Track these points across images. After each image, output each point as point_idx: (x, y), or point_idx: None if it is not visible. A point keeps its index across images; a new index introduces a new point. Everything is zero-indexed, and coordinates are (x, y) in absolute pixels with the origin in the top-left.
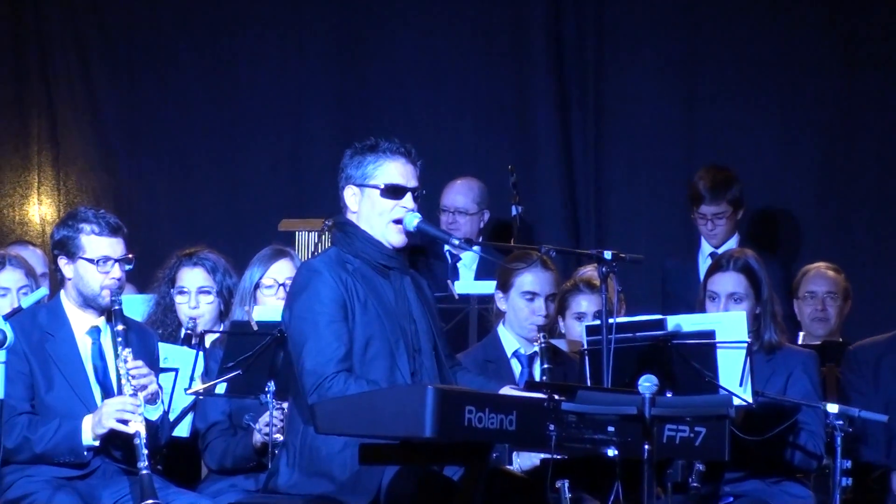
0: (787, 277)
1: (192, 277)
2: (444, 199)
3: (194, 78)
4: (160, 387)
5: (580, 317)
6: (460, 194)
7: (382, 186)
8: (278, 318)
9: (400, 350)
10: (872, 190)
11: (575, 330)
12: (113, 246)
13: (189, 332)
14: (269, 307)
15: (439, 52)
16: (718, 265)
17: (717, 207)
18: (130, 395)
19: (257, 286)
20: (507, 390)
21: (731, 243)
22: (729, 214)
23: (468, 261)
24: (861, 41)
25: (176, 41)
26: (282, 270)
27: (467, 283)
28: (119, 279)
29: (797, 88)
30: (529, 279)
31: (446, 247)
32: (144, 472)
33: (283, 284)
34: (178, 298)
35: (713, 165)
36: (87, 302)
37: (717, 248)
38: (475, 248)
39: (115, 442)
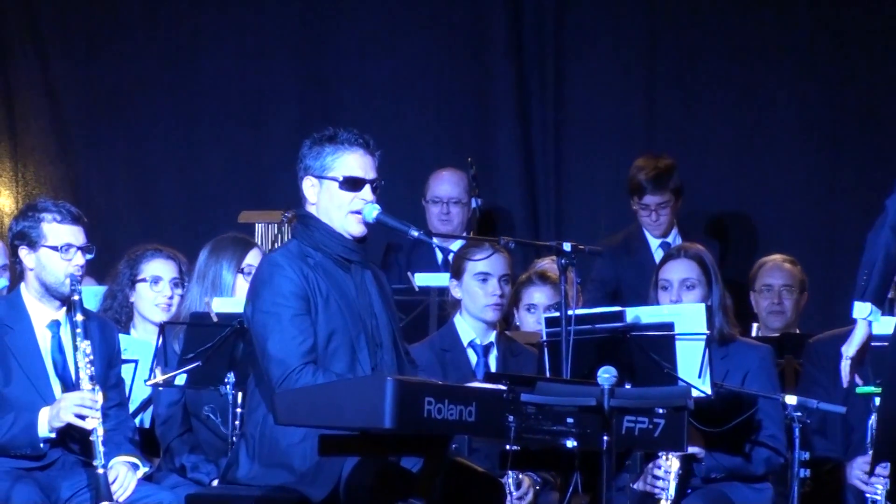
0: (745, 270)
1: (167, 268)
2: (436, 190)
3: (153, 69)
4: (122, 379)
5: (531, 308)
6: (450, 184)
7: (341, 179)
8: (237, 310)
9: (361, 344)
10: (827, 181)
11: (527, 321)
12: (75, 234)
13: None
14: (227, 300)
15: (400, 44)
16: (670, 255)
17: (661, 197)
18: (90, 390)
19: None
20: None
21: (674, 234)
22: (672, 203)
23: None
24: (826, 34)
25: (135, 32)
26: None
27: (436, 275)
28: (81, 267)
29: (758, 80)
30: (481, 261)
31: (434, 240)
32: (100, 470)
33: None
34: (153, 288)
35: (650, 154)
36: (49, 291)
37: (662, 237)
38: (434, 239)
39: (73, 434)
